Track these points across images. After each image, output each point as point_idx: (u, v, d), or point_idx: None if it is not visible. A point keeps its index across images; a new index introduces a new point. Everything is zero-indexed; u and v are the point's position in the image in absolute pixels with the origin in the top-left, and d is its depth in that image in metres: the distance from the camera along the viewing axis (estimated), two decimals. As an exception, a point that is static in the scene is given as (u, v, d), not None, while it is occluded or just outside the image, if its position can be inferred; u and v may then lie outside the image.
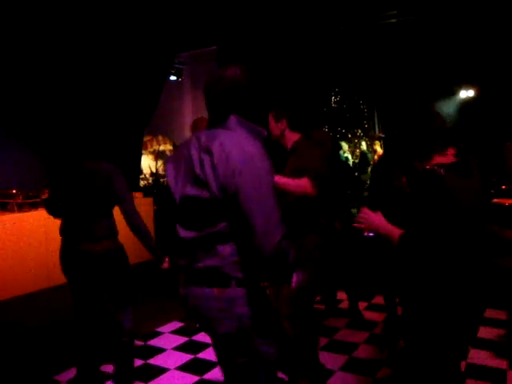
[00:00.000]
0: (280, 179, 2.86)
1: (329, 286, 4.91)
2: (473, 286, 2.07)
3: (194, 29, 7.89)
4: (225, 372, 1.90)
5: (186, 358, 3.98)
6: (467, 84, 11.10)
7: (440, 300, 2.07)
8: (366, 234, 2.18)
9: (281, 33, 8.10)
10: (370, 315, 4.75)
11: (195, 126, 4.13)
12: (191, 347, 4.19)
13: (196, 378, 3.60)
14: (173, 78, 11.17)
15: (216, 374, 3.59)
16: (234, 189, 1.65)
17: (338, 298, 5.03)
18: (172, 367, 3.81)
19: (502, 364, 3.64)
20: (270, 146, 3.22)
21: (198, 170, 1.72)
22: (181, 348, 4.19)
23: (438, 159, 2.14)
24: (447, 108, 11.30)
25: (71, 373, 3.56)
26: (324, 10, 7.98)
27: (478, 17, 8.19)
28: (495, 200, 5.49)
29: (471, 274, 2.07)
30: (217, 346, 1.89)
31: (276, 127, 3.28)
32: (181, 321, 4.76)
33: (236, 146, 1.70)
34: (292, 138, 3.28)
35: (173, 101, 11.36)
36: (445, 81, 10.71)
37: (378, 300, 5.02)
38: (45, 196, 4.30)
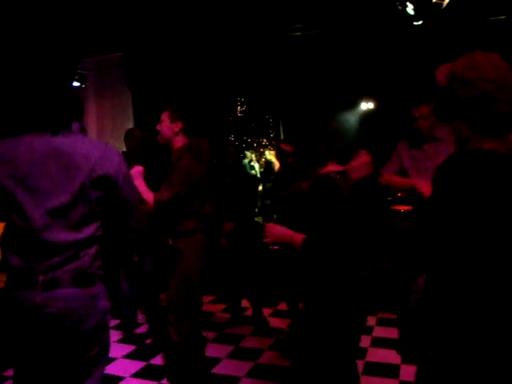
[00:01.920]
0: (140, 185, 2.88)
1: (233, 294, 4.91)
2: (358, 286, 2.15)
3: (100, 34, 7.67)
4: (72, 366, 1.92)
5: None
6: (367, 97, 11.76)
7: (327, 300, 2.13)
8: (271, 247, 2.24)
9: (187, 41, 8.07)
10: (274, 321, 4.79)
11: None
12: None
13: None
14: (76, 83, 10.73)
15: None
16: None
17: (242, 305, 5.03)
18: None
19: (396, 359, 3.80)
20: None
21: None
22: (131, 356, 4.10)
23: (332, 167, 2.22)
24: (350, 118, 11.96)
25: None
26: (231, 20, 8.05)
27: (376, 37, 8.65)
28: (392, 207, 5.76)
29: (358, 276, 2.15)
30: (75, 342, 1.89)
31: (169, 128, 3.09)
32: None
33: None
34: (180, 143, 3.11)
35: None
36: (348, 93, 11.23)
37: (283, 306, 5.08)
38: None
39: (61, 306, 1.80)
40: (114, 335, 4.40)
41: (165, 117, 3.10)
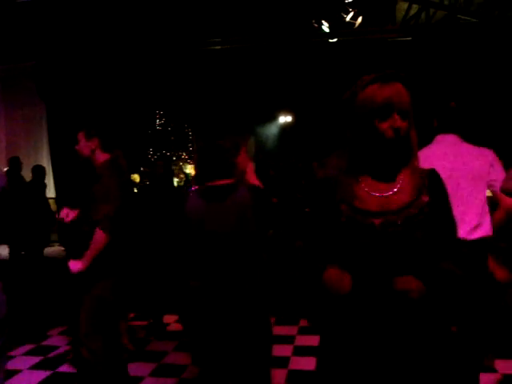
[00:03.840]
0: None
1: (155, 309, 4.83)
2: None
3: (8, 42, 7.33)
4: None
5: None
6: (286, 110, 12.09)
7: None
8: None
9: (104, 52, 7.90)
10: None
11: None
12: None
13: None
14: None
15: None
16: None
17: (165, 321, 4.95)
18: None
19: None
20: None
21: None
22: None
23: (219, 181, 2.36)
24: (270, 130, 12.28)
25: None
26: (149, 32, 7.98)
27: (293, 52, 8.92)
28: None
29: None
30: None
31: (86, 146, 3.13)
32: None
33: None
34: (101, 158, 3.15)
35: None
36: (267, 107, 11.49)
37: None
38: None
39: None
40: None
41: (80, 136, 3.15)
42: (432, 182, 1.54)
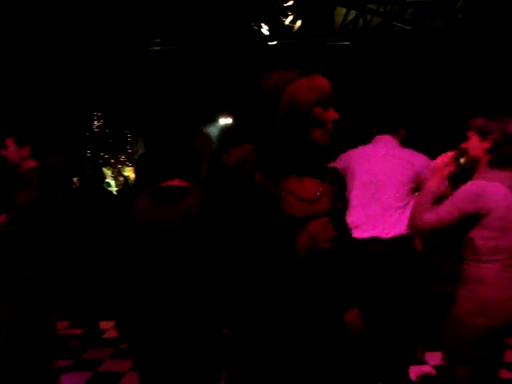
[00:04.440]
0: None
1: (91, 316, 4.67)
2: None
3: None
4: None
5: None
6: (226, 113, 12.10)
7: None
8: None
9: (39, 51, 7.61)
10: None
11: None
12: None
13: None
14: None
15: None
16: None
17: (101, 327, 4.80)
18: None
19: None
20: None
21: None
22: None
23: (172, 182, 2.20)
24: (210, 132, 12.21)
25: None
26: (87, 32, 7.76)
27: (233, 54, 8.91)
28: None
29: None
30: None
31: (16, 153, 2.91)
32: None
33: None
34: (29, 165, 2.95)
35: None
36: (207, 109, 11.44)
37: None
38: None
39: None
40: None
41: (10, 142, 2.92)
42: (335, 180, 1.54)
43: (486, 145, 2.11)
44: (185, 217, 2.06)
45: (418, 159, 2.90)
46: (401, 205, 2.82)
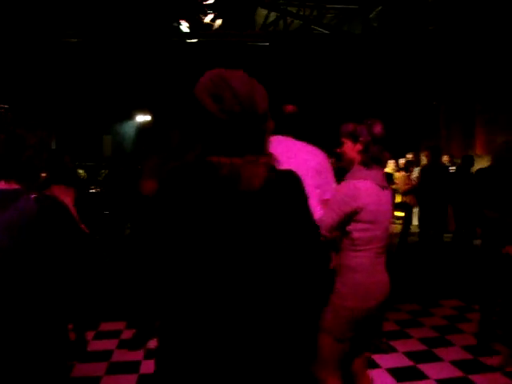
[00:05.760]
0: None
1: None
2: None
3: None
4: None
5: None
6: (144, 109, 11.85)
7: None
8: None
9: None
10: (99, 345, 4.32)
11: None
12: None
13: None
14: None
15: None
16: None
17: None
18: None
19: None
20: None
21: None
22: None
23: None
24: (128, 129, 11.98)
25: None
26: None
27: (151, 50, 8.70)
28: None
29: None
30: None
31: None
32: None
33: None
34: None
35: None
36: (124, 105, 11.15)
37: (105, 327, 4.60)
38: None
39: None
40: None
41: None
42: None
43: (358, 147, 2.31)
44: (15, 225, 1.74)
45: (313, 157, 2.80)
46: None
